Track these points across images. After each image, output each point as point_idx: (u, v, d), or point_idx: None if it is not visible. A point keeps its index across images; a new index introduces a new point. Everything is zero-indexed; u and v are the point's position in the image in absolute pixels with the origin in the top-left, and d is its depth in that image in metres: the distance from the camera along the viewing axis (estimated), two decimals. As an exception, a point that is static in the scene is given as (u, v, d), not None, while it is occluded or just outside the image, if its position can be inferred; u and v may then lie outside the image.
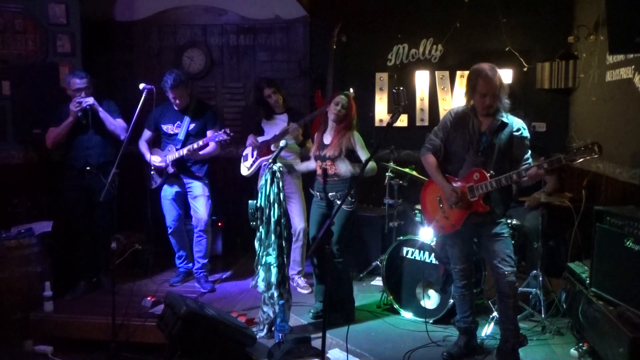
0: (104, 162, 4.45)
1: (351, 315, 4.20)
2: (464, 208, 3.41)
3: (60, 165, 4.68)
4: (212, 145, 4.53)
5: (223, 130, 4.41)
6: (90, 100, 4.33)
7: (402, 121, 5.64)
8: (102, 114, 4.40)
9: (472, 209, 3.38)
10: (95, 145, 4.47)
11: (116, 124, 4.48)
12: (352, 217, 4.09)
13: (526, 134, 3.39)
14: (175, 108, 4.66)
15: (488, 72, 3.28)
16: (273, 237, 3.80)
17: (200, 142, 4.48)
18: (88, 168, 4.42)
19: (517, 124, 3.38)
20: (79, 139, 4.44)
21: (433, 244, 4.17)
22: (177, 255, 4.92)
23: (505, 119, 3.37)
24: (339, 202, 3.97)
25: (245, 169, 4.90)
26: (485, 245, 3.47)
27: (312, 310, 4.26)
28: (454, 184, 3.44)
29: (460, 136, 3.43)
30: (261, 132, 4.89)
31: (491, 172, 3.31)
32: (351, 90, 4.67)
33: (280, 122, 4.79)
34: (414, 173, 4.77)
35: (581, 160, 3.07)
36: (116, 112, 4.56)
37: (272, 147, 4.67)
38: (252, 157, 4.85)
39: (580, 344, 3.60)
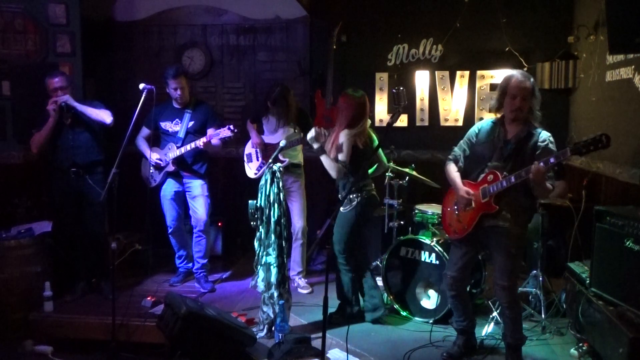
0: (91, 162, 4.40)
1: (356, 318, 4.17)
2: (476, 210, 3.40)
3: (47, 166, 4.58)
4: (215, 141, 4.51)
5: (227, 127, 4.40)
6: (65, 97, 4.22)
7: (402, 121, 5.64)
8: (80, 107, 4.27)
9: (483, 210, 3.36)
10: (81, 145, 4.37)
11: (98, 111, 4.34)
12: (349, 218, 3.97)
13: (552, 147, 3.29)
14: (175, 105, 4.66)
15: (520, 75, 3.31)
16: (273, 237, 3.80)
17: (203, 140, 4.46)
18: (74, 169, 4.34)
19: (544, 135, 3.33)
20: (64, 140, 4.35)
21: (433, 243, 4.17)
22: (177, 255, 4.92)
23: (532, 130, 3.33)
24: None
25: (251, 172, 4.87)
26: (493, 256, 3.47)
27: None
28: (468, 188, 3.44)
29: (484, 145, 3.44)
30: (260, 124, 4.86)
31: (505, 173, 3.29)
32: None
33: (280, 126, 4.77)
34: (414, 173, 4.77)
35: (589, 152, 2.98)
36: (99, 106, 4.44)
37: (281, 157, 4.56)
38: (258, 159, 4.83)
39: (580, 344, 3.60)
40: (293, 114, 4.74)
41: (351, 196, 3.98)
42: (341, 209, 3.95)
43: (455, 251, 3.61)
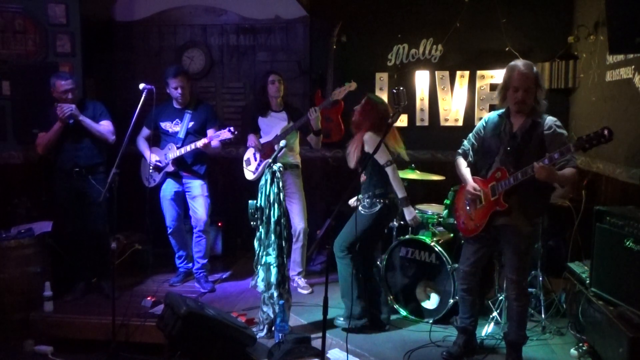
0: (94, 163, 4.41)
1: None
2: (487, 208, 3.39)
3: (50, 166, 4.59)
4: (215, 142, 4.52)
5: (227, 129, 4.39)
6: (72, 107, 4.21)
7: (402, 121, 5.63)
8: (84, 121, 4.28)
9: (493, 207, 3.35)
10: (85, 146, 4.38)
11: (101, 129, 4.37)
12: (365, 221, 3.95)
13: (560, 131, 3.26)
14: (176, 105, 4.66)
15: (522, 66, 3.26)
16: (273, 237, 3.80)
17: (203, 141, 4.46)
18: (77, 170, 4.34)
19: (548, 121, 3.29)
20: (68, 141, 4.35)
21: (433, 243, 4.17)
22: (177, 255, 4.92)
23: (537, 119, 3.30)
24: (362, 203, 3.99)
25: (250, 174, 4.87)
26: (504, 252, 3.47)
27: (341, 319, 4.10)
28: (477, 184, 3.43)
29: (492, 139, 3.42)
30: (257, 130, 4.86)
31: (512, 169, 3.27)
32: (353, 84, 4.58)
33: (277, 120, 4.77)
34: (416, 172, 4.76)
35: (592, 146, 2.94)
36: (103, 113, 4.47)
37: (275, 147, 4.62)
38: (256, 160, 4.83)
39: (580, 344, 3.60)
40: (285, 95, 4.82)
41: (374, 200, 3.96)
42: (360, 210, 3.95)
43: (467, 247, 3.61)
